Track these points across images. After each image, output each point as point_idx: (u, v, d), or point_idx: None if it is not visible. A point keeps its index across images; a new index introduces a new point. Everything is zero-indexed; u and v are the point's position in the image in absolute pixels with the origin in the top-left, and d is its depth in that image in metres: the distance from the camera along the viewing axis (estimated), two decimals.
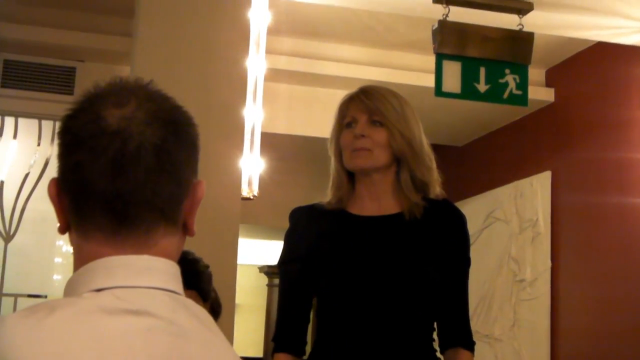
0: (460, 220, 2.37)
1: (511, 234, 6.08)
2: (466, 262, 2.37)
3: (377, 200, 2.35)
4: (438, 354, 2.35)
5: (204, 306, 2.46)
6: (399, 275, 2.25)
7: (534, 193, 5.90)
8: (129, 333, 0.97)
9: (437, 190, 2.38)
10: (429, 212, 2.32)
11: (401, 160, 2.33)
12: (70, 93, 5.07)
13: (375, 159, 2.31)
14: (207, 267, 2.60)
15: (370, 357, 2.22)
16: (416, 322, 2.28)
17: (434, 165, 2.39)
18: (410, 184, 2.33)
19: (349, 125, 2.36)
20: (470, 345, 2.34)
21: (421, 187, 2.35)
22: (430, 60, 4.34)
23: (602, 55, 5.24)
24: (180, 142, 1.10)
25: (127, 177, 1.04)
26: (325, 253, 2.31)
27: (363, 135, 2.31)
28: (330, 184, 2.42)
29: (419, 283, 2.26)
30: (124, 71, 4.98)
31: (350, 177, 2.39)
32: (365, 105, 2.34)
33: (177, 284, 1.08)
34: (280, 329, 2.39)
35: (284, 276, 2.42)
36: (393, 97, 2.35)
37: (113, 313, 0.99)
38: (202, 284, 2.49)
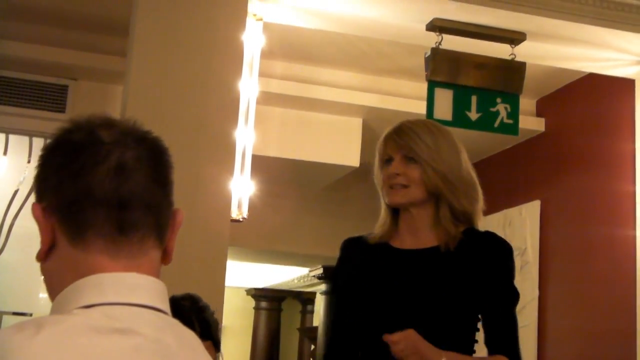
0: (503, 252, 2.38)
1: None
2: (511, 294, 2.36)
3: (416, 234, 2.38)
4: None
5: (217, 356, 2.47)
6: (425, 307, 2.27)
7: (522, 222, 5.91)
8: (116, 352, 0.98)
9: (481, 219, 2.41)
10: (468, 244, 2.33)
11: (438, 194, 2.35)
12: (62, 111, 5.07)
13: (412, 195, 2.34)
14: (213, 312, 2.60)
15: None
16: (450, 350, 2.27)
17: (477, 195, 2.41)
18: (449, 217, 2.34)
19: (387, 162, 2.40)
20: None
21: (464, 218, 2.37)
22: (423, 87, 4.37)
23: (593, 87, 5.27)
24: (167, 165, 1.15)
25: (130, 182, 1.08)
26: (362, 286, 2.37)
27: (398, 174, 2.35)
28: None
29: (445, 314, 2.27)
30: (117, 90, 4.98)
31: (395, 212, 2.43)
32: (398, 144, 2.37)
33: (164, 302, 1.10)
34: (327, 354, 2.48)
35: (331, 305, 2.49)
36: (426, 133, 2.37)
37: (101, 332, 0.99)
38: (216, 333, 2.50)
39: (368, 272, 2.38)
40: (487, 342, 2.35)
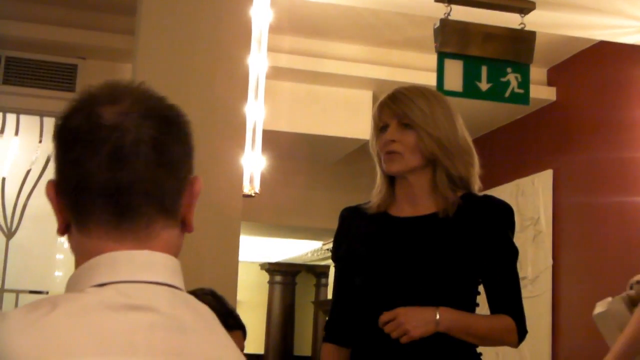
0: (501, 213, 2.37)
1: None
2: (510, 250, 2.36)
3: (414, 202, 2.38)
4: (479, 351, 2.37)
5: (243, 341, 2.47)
6: (426, 274, 2.28)
7: (535, 191, 5.90)
8: (131, 329, 0.98)
9: (477, 184, 2.40)
10: (467, 209, 2.33)
11: (434, 160, 2.34)
12: (72, 90, 5.07)
13: (407, 162, 2.34)
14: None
15: (405, 357, 2.25)
16: None
17: (473, 160, 2.39)
18: (446, 183, 2.34)
19: (383, 129, 2.39)
20: (520, 326, 2.36)
21: (462, 183, 2.36)
22: (432, 59, 4.35)
23: (604, 55, 5.24)
24: (176, 138, 1.12)
25: (127, 170, 1.05)
26: (361, 254, 2.39)
27: (393, 140, 2.34)
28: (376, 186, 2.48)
29: (445, 283, 2.28)
30: (126, 69, 4.98)
31: (391, 180, 2.43)
32: (393, 110, 2.37)
33: (178, 278, 1.09)
34: (329, 321, 2.52)
35: (335, 272, 2.54)
36: (421, 99, 2.37)
37: (115, 309, 0.99)
38: (241, 321, 2.49)
39: (368, 242, 2.38)
40: (489, 300, 2.36)
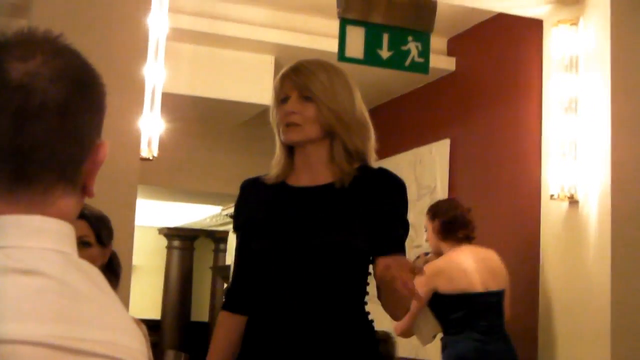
0: (395, 187, 2.44)
1: (409, 200, 6.14)
2: (402, 226, 2.43)
3: (312, 172, 2.44)
4: (370, 318, 2.42)
5: (105, 251, 2.48)
6: (320, 242, 2.33)
7: (432, 160, 5.99)
8: (19, 293, 0.95)
9: (373, 157, 2.47)
10: (362, 180, 2.40)
11: (332, 132, 2.40)
12: None
13: (306, 133, 2.39)
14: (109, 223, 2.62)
15: (298, 324, 2.31)
16: (341, 288, 2.34)
17: (370, 133, 2.46)
18: (342, 155, 2.40)
19: (283, 101, 2.43)
20: None
21: (358, 156, 2.43)
22: (335, 25, 4.35)
23: (503, 27, 5.33)
24: (85, 103, 1.07)
25: (27, 135, 1.01)
26: (259, 222, 2.43)
27: (293, 112, 2.39)
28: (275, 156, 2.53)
29: (339, 250, 2.33)
30: (21, 25, 4.82)
31: (290, 151, 2.48)
32: (294, 82, 2.42)
33: (70, 245, 1.05)
34: (229, 289, 2.58)
35: (236, 241, 2.57)
36: (322, 72, 2.42)
37: (3, 273, 0.96)
38: (93, 216, 2.49)
39: (266, 210, 2.44)
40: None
